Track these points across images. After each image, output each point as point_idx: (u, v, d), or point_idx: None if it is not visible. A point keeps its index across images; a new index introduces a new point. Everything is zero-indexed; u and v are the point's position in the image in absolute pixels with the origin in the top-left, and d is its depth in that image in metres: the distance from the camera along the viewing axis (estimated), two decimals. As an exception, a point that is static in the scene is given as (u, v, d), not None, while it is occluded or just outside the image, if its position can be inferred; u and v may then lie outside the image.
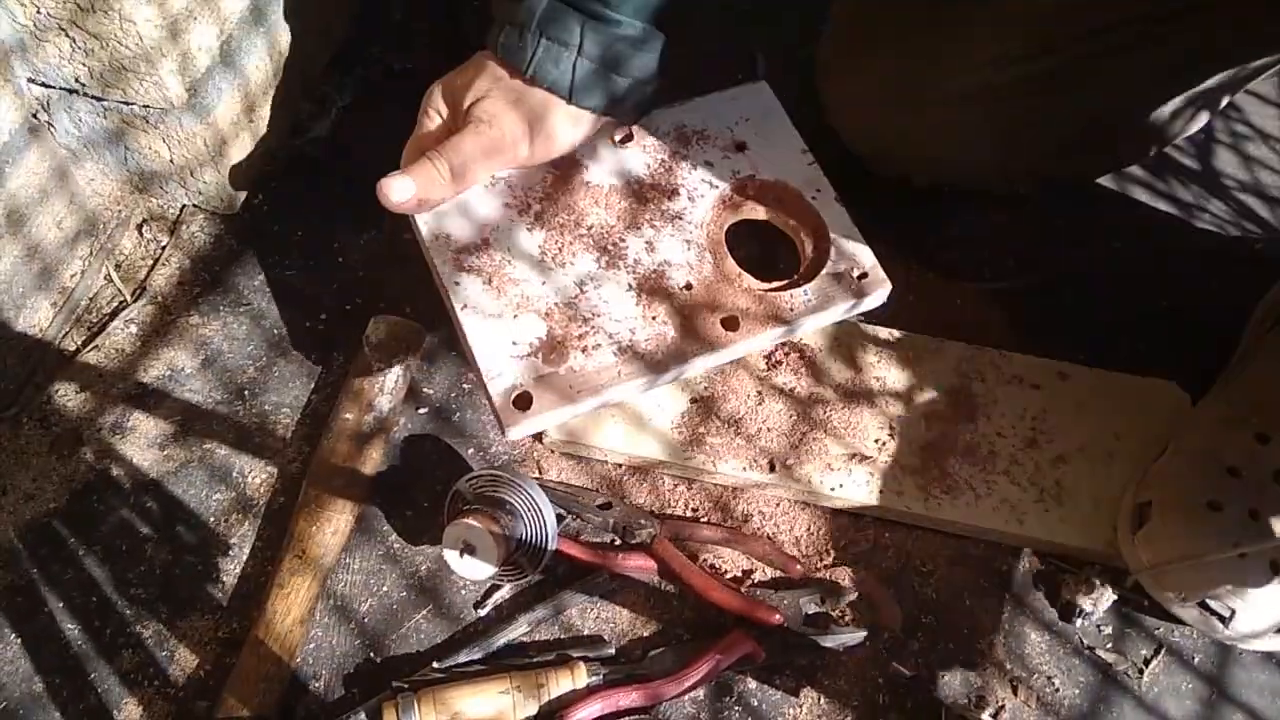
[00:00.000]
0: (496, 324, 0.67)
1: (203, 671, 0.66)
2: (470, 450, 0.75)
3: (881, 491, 0.72)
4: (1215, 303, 0.83)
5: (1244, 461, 0.68)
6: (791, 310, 0.70)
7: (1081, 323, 0.83)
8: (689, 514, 0.73)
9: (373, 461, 0.72)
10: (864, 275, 0.72)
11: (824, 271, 0.72)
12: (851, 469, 0.72)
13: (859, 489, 0.72)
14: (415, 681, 0.64)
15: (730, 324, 0.69)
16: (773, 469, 0.72)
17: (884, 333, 0.78)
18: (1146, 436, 0.74)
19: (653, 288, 0.70)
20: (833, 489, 0.72)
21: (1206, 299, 0.85)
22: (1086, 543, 0.71)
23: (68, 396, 0.75)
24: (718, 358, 0.69)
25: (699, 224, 0.73)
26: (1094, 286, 0.86)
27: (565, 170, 0.73)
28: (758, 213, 0.76)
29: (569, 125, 0.68)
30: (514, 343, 0.66)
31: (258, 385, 0.76)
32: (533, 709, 0.63)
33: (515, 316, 0.67)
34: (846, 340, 0.78)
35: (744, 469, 0.72)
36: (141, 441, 0.73)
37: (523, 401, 0.64)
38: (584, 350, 0.67)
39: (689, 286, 0.70)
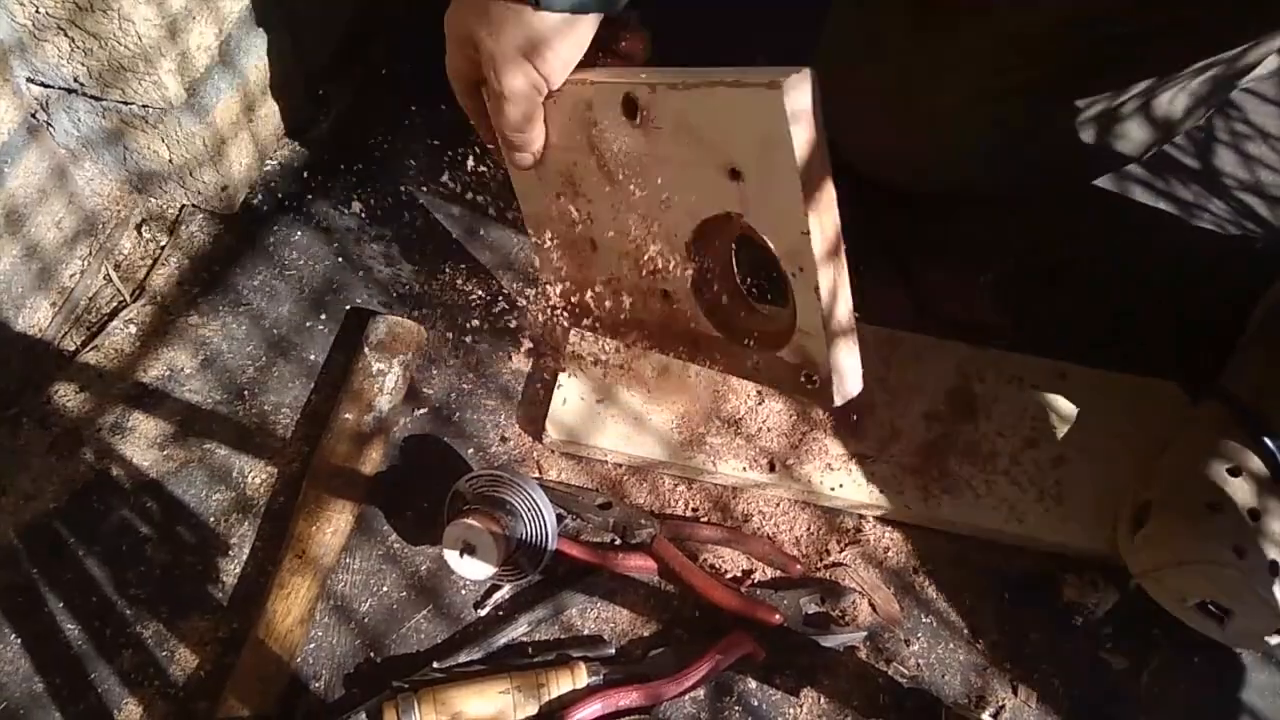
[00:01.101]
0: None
1: (203, 671, 0.66)
2: (470, 450, 0.75)
3: (882, 491, 0.72)
4: (1215, 302, 0.83)
5: (1243, 462, 0.68)
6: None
7: (1081, 323, 0.83)
8: (689, 514, 0.73)
9: (372, 461, 0.72)
10: (813, 383, 0.61)
11: (779, 354, 0.61)
12: (851, 469, 0.72)
13: (859, 489, 0.72)
14: (415, 681, 0.64)
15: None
16: (773, 469, 0.72)
17: (884, 332, 0.78)
18: (1146, 436, 0.74)
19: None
20: (833, 489, 0.72)
21: (1206, 299, 0.85)
22: (1087, 543, 0.71)
23: (67, 397, 0.75)
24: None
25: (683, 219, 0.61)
26: (1094, 286, 0.86)
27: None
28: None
29: (552, 34, 0.59)
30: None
31: (257, 385, 0.76)
32: (533, 709, 0.63)
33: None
34: (846, 340, 0.77)
35: (744, 469, 0.72)
36: (141, 442, 0.73)
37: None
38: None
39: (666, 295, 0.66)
